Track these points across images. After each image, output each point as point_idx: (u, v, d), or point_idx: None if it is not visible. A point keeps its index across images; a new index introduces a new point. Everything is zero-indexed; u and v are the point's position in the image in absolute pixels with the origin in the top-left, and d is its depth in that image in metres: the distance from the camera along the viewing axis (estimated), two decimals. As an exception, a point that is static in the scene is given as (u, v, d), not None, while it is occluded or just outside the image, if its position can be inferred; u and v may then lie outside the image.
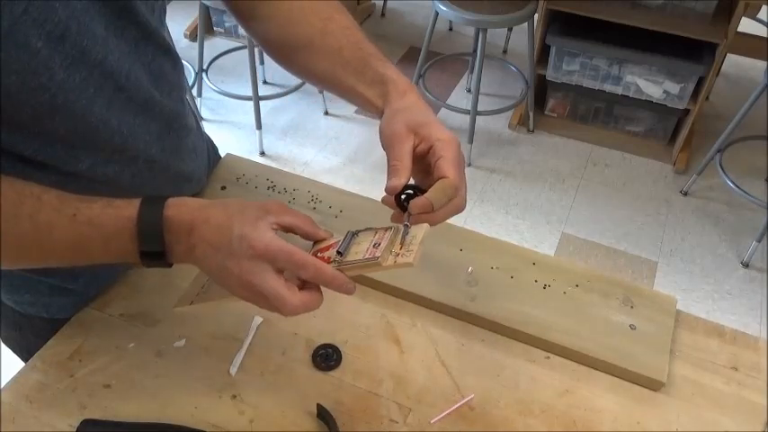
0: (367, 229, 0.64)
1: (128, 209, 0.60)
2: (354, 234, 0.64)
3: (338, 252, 0.62)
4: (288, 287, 0.59)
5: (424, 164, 0.64)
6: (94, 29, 0.60)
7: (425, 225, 0.61)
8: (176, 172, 0.81)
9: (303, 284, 0.61)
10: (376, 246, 0.61)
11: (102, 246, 0.61)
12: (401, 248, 0.60)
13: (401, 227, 0.61)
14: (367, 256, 0.60)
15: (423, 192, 0.62)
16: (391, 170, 0.62)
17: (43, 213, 0.59)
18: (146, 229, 0.59)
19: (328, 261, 0.62)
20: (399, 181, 0.61)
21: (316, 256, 0.63)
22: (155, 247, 0.60)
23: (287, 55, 0.78)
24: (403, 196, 0.63)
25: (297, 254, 0.59)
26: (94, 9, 0.60)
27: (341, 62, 0.73)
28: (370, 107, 0.72)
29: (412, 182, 0.64)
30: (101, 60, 0.62)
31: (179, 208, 0.60)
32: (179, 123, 0.79)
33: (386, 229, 0.62)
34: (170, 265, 0.63)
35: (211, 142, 0.99)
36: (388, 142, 0.64)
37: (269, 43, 0.79)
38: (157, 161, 0.76)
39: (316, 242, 0.66)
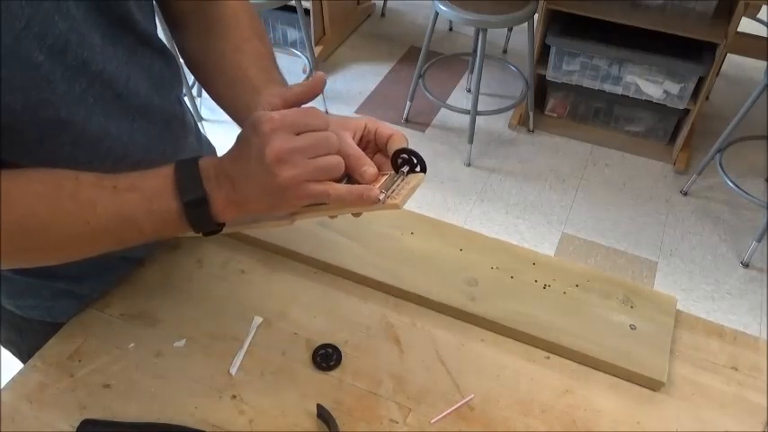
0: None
1: (164, 169, 0.61)
2: None
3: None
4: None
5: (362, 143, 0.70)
6: (93, 39, 0.60)
7: (421, 175, 0.66)
8: None
9: None
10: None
11: (146, 210, 0.60)
12: (392, 192, 0.64)
13: (395, 173, 0.66)
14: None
15: (413, 153, 0.66)
16: (359, 161, 0.65)
17: (84, 191, 0.59)
18: (184, 178, 0.60)
19: None
20: (373, 167, 0.64)
21: None
22: (196, 193, 0.59)
23: (200, 69, 0.77)
24: (399, 160, 0.67)
25: (309, 110, 0.59)
26: (92, 19, 0.60)
27: (245, 80, 0.72)
28: None
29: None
30: (101, 70, 0.62)
31: (210, 158, 0.61)
32: (178, 124, 0.79)
33: (385, 174, 0.66)
34: (219, 227, 0.62)
35: (209, 143, 0.98)
36: None
37: (187, 53, 0.78)
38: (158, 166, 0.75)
39: None
